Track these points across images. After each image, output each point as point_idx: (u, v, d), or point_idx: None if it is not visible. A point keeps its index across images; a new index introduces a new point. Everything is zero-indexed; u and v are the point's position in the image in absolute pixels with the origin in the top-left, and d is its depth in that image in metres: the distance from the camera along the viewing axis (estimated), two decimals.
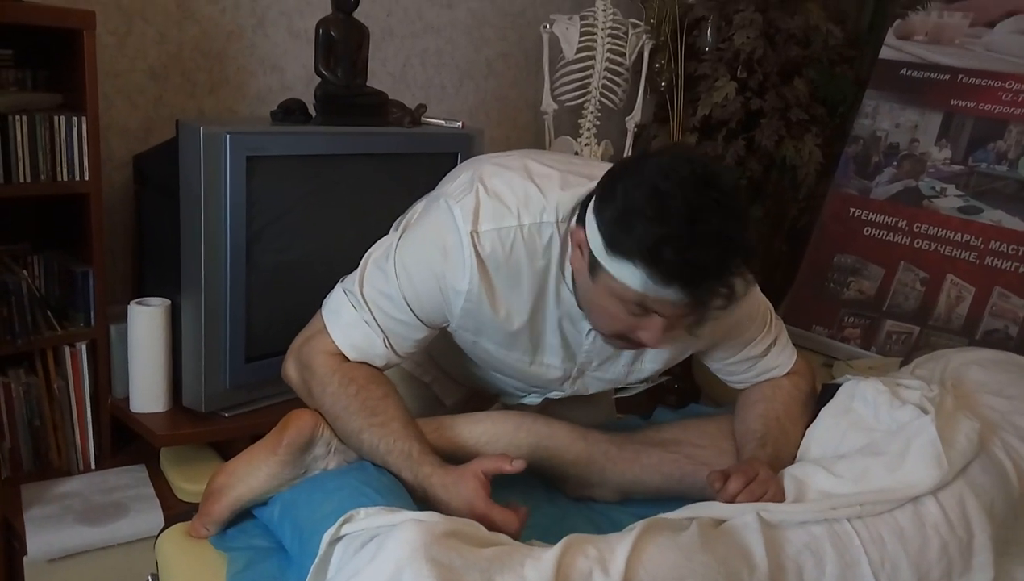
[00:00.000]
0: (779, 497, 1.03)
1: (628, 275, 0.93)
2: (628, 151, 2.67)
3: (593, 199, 0.98)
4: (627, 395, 2.31)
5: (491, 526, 0.95)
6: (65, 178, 1.61)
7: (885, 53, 2.64)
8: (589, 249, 0.97)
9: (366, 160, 1.84)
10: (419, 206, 1.18)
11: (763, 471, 1.05)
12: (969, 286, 2.38)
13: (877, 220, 2.57)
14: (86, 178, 1.62)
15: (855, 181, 2.62)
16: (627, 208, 0.91)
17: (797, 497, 1.02)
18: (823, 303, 2.57)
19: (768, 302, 1.26)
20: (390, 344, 1.10)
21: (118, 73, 1.88)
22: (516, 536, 0.96)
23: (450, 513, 0.97)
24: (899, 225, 2.52)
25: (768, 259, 3.01)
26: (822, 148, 2.74)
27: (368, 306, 1.10)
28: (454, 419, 1.16)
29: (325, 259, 1.78)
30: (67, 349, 1.69)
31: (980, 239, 2.40)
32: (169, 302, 1.74)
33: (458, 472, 1.01)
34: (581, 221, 1.00)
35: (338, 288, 1.16)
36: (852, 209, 2.61)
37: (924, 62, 2.59)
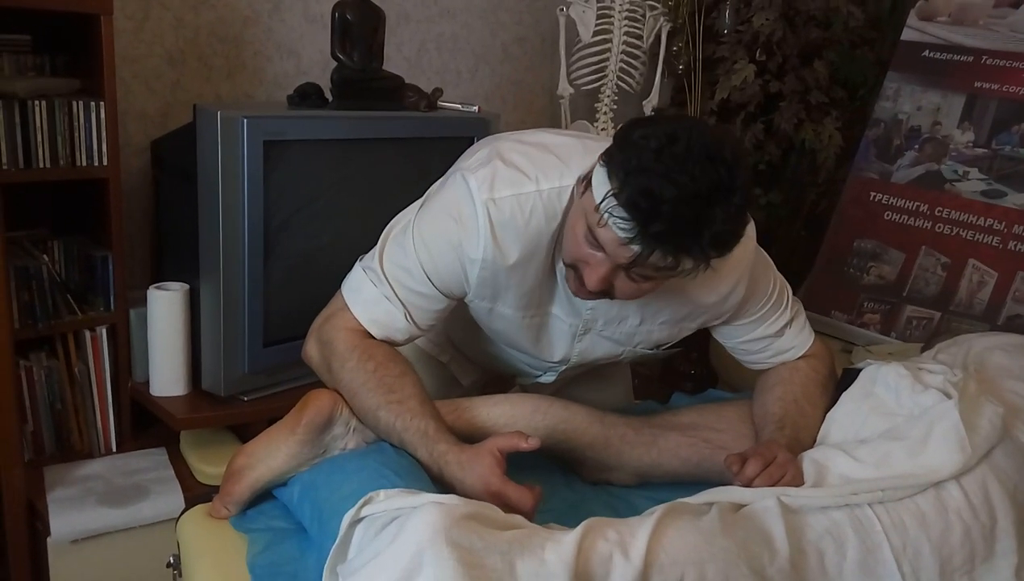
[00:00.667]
0: (798, 480, 1.02)
1: (599, 183, 0.93)
2: None
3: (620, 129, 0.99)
4: (644, 370, 2.28)
5: (506, 503, 0.96)
6: (84, 163, 1.61)
7: (907, 35, 2.59)
8: (590, 175, 0.97)
9: (382, 144, 1.84)
10: (437, 183, 1.18)
11: (781, 454, 1.04)
12: (991, 271, 2.35)
13: (898, 204, 2.53)
14: (104, 163, 1.63)
15: (876, 165, 2.59)
16: (639, 136, 0.91)
17: (817, 482, 1.01)
18: (842, 288, 2.55)
19: (785, 282, 1.25)
20: (411, 318, 1.11)
21: (135, 58, 1.89)
22: (530, 515, 0.96)
23: (464, 491, 0.98)
24: (920, 209, 2.49)
25: (787, 244, 2.98)
26: (842, 131, 2.70)
27: (388, 281, 1.10)
28: (472, 401, 1.16)
29: (343, 242, 1.78)
30: (87, 333, 1.71)
31: (1003, 223, 2.36)
32: (188, 287, 1.74)
33: (473, 450, 1.02)
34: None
35: (357, 266, 1.16)
36: (873, 193, 2.57)
37: (947, 43, 2.54)
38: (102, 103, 1.60)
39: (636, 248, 0.91)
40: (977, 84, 2.45)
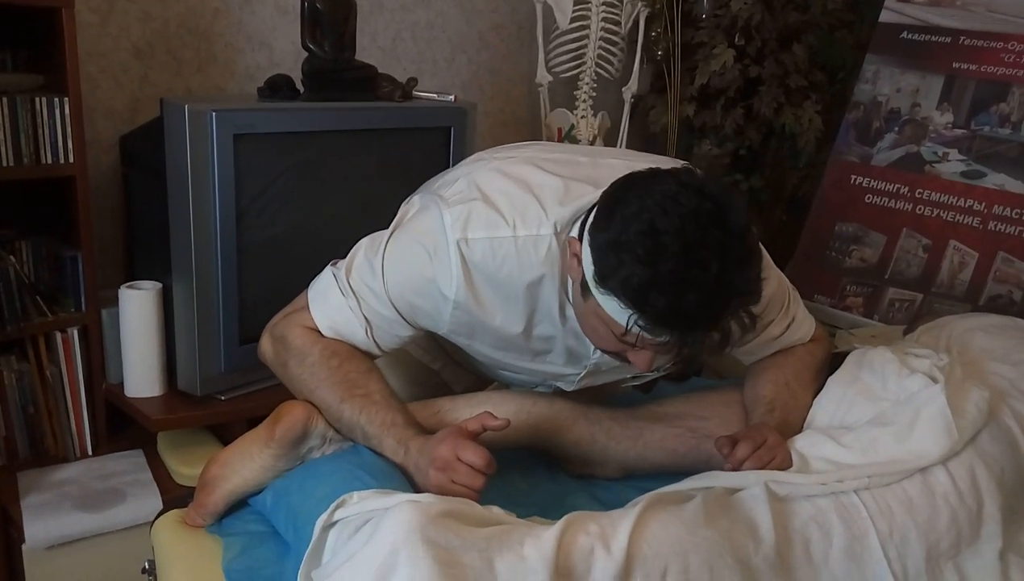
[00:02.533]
0: (787, 463, 1.01)
1: (615, 310, 0.89)
2: (625, 122, 2.63)
3: (592, 215, 0.93)
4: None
5: (461, 457, 0.93)
6: (49, 161, 1.57)
7: (885, 16, 2.58)
8: (581, 267, 0.93)
9: (356, 135, 1.81)
10: (415, 200, 1.14)
11: (771, 436, 1.03)
12: (972, 252, 2.35)
13: (879, 187, 2.53)
14: (71, 160, 1.59)
15: (856, 148, 2.59)
16: (619, 241, 0.86)
17: (802, 467, 1.00)
18: (825, 272, 2.55)
19: (784, 278, 1.21)
20: (372, 335, 1.08)
21: (102, 53, 1.84)
22: (484, 471, 0.93)
23: (423, 468, 0.95)
24: (901, 192, 2.49)
25: (769, 228, 2.98)
26: (822, 115, 2.70)
27: (355, 295, 1.08)
28: (454, 401, 1.14)
29: (318, 237, 1.75)
30: (59, 335, 1.67)
31: (983, 204, 2.37)
32: (160, 285, 1.71)
33: (436, 436, 0.99)
34: (580, 235, 0.95)
35: (327, 270, 1.13)
36: (853, 176, 2.57)
37: (925, 25, 2.54)
38: (66, 99, 1.56)
39: (674, 348, 0.90)
40: (955, 65, 2.45)
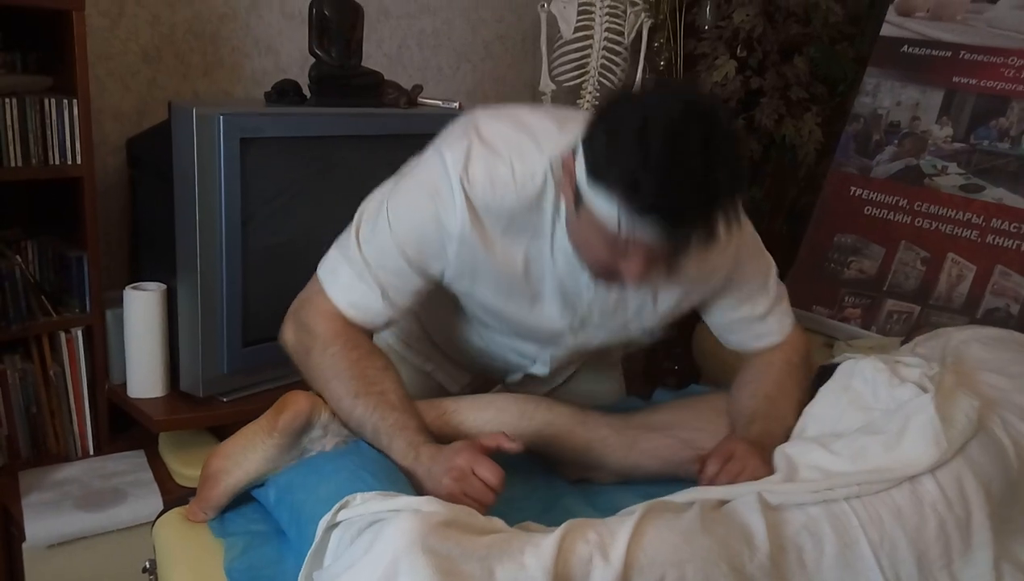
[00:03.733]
0: (759, 472, 1.02)
1: (606, 208, 0.91)
2: None
3: (587, 124, 0.96)
4: (631, 350, 2.29)
5: (476, 470, 0.95)
6: (57, 162, 1.59)
7: (886, 30, 2.61)
8: (575, 179, 0.95)
9: (361, 141, 1.82)
10: (412, 161, 1.17)
11: (739, 448, 1.05)
12: (970, 265, 2.37)
13: (878, 199, 2.55)
14: (78, 162, 1.60)
15: (856, 160, 2.60)
16: (614, 135, 0.89)
17: (790, 476, 1.02)
18: (823, 283, 2.56)
19: (773, 263, 1.24)
20: (388, 298, 1.08)
21: (110, 56, 1.86)
22: (496, 489, 0.96)
23: (434, 476, 0.97)
24: (900, 204, 2.50)
25: (768, 239, 2.99)
26: (822, 127, 2.72)
27: (364, 261, 1.08)
28: (458, 403, 1.15)
29: (322, 241, 1.75)
30: (63, 335, 1.68)
31: (981, 217, 2.38)
32: (165, 287, 1.72)
33: (453, 447, 1.00)
34: (574, 152, 0.97)
35: (333, 249, 1.15)
36: (853, 188, 2.59)
37: (925, 39, 2.56)
38: (75, 101, 1.58)
39: (670, 244, 0.92)
40: (955, 79, 2.47)
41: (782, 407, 1.16)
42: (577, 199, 0.96)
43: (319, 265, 1.15)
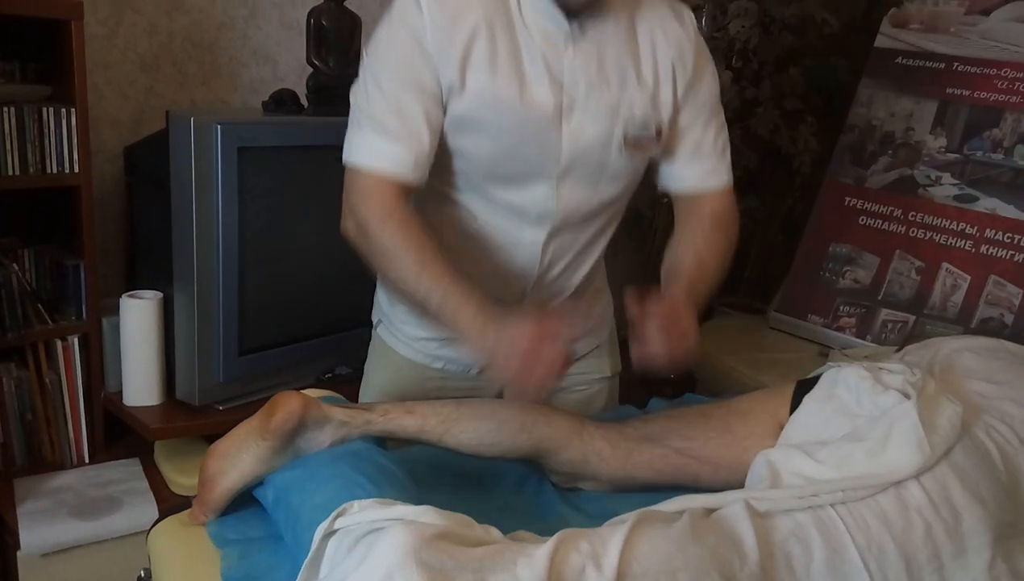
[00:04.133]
0: (691, 335, 1.07)
1: None
2: None
3: None
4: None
5: (538, 353, 0.97)
6: (55, 170, 1.59)
7: (880, 42, 2.62)
8: None
9: None
10: None
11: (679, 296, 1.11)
12: (964, 274, 2.38)
13: (872, 209, 2.56)
14: (76, 170, 1.61)
15: (851, 170, 2.62)
16: None
17: (774, 482, 1.02)
18: (819, 293, 2.57)
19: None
20: (407, 135, 1.09)
21: (108, 64, 1.86)
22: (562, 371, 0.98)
23: (505, 358, 0.99)
24: (894, 214, 2.52)
25: (764, 248, 3.01)
26: (818, 137, 2.73)
27: (372, 117, 1.10)
28: (460, 411, 1.15)
29: (318, 250, 1.77)
30: (59, 343, 1.68)
31: (975, 227, 2.40)
32: (161, 295, 1.73)
33: (519, 327, 1.00)
34: None
35: (347, 133, 1.15)
36: (848, 198, 2.60)
37: (919, 50, 2.58)
38: (73, 109, 1.58)
39: None
40: (949, 90, 2.49)
41: (710, 267, 1.23)
42: None
43: (343, 155, 1.15)
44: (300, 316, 1.80)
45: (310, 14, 1.79)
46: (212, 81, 2.03)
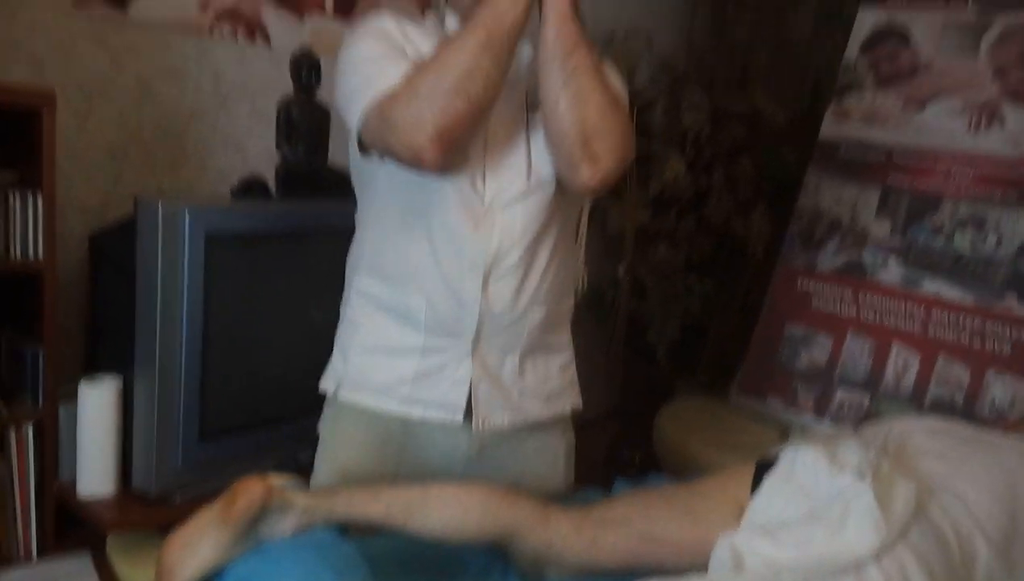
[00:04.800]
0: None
1: None
2: (584, 226, 2.73)
3: None
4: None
5: None
6: (19, 256, 1.59)
7: (825, 133, 2.77)
8: None
9: (326, 236, 1.85)
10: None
11: None
12: (914, 355, 2.46)
13: (824, 292, 2.65)
14: (40, 257, 1.60)
15: (801, 254, 2.72)
16: None
17: (737, 564, 1.03)
18: (777, 374, 2.62)
19: None
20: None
21: (77, 151, 1.88)
22: None
23: None
24: (845, 296, 2.61)
25: (722, 330, 3.07)
26: (769, 223, 2.84)
27: (375, 63, 1.13)
28: (426, 495, 1.14)
29: (284, 336, 1.77)
30: (12, 431, 1.64)
31: (922, 309, 2.49)
32: (121, 380, 1.70)
33: None
34: None
35: (351, 107, 1.15)
36: (800, 281, 2.69)
37: (861, 141, 2.73)
38: (39, 195, 1.59)
39: None
40: (890, 179, 2.63)
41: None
42: None
43: (358, 118, 1.14)
44: (262, 401, 1.79)
45: (280, 105, 1.84)
46: (181, 168, 2.06)
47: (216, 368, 1.69)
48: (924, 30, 2.65)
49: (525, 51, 1.22)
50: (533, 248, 1.24)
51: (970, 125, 2.54)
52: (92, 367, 1.82)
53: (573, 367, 1.41)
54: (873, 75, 2.72)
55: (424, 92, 1.05)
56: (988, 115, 2.51)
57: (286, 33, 2.16)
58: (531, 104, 1.21)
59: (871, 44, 2.74)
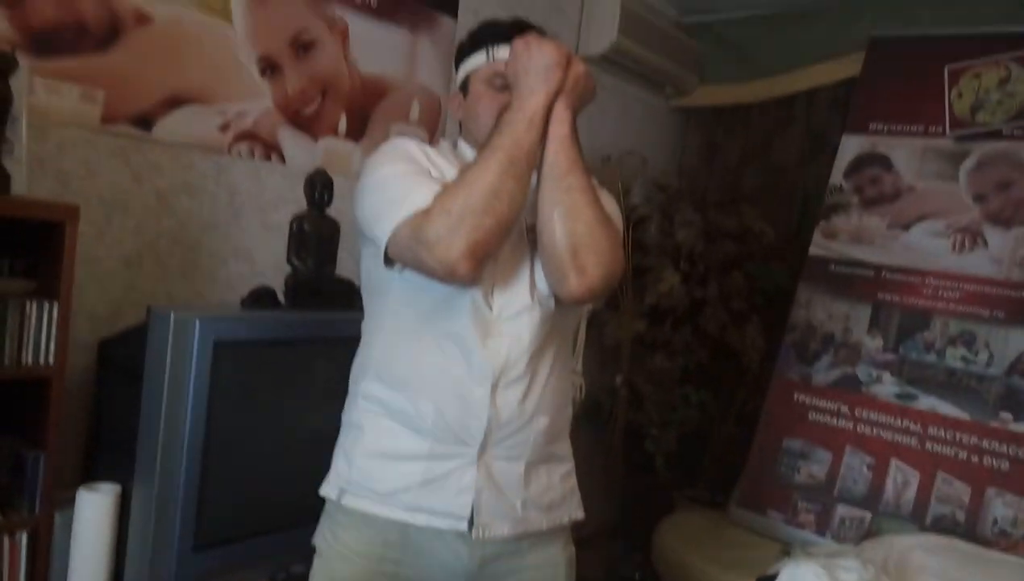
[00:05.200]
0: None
1: (476, 58, 1.31)
2: (582, 336, 2.78)
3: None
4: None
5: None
6: (29, 363, 1.61)
7: (814, 250, 2.87)
8: (459, 92, 1.36)
9: (333, 345, 1.89)
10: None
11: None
12: (913, 471, 2.45)
13: (820, 405, 2.67)
14: (50, 363, 1.62)
15: (796, 367, 2.75)
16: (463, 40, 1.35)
17: None
18: (776, 487, 2.61)
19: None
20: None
21: (93, 260, 1.94)
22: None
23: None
24: (841, 410, 2.63)
25: (721, 442, 3.07)
26: (764, 335, 2.89)
27: (406, 195, 1.19)
28: None
29: (285, 445, 1.78)
30: (6, 539, 1.62)
31: (919, 424, 2.51)
32: (120, 488, 1.69)
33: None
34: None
35: (380, 225, 1.21)
36: (796, 394, 2.71)
37: (850, 259, 2.82)
38: (56, 304, 1.63)
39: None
40: (880, 295, 2.70)
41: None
42: (463, 89, 1.34)
43: (383, 237, 1.20)
44: (258, 511, 1.77)
45: (293, 220, 1.92)
46: (191, 276, 2.12)
47: (216, 478, 1.68)
48: (905, 156, 2.79)
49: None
50: (536, 358, 1.29)
51: (954, 246, 2.64)
52: (90, 474, 1.81)
53: (574, 476, 1.42)
54: (858, 198, 2.84)
55: (456, 211, 1.14)
56: (971, 237, 2.61)
57: (300, 153, 2.27)
58: (531, 224, 1.28)
59: (855, 168, 2.88)
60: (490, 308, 1.26)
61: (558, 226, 1.19)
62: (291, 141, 2.26)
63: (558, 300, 1.27)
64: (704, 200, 3.25)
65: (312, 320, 1.86)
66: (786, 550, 2.30)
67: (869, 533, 2.33)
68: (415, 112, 2.58)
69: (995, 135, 2.62)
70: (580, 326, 2.76)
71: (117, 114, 1.92)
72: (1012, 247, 2.52)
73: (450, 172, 1.26)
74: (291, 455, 1.77)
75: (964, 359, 2.48)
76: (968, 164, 2.66)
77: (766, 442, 2.67)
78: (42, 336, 1.62)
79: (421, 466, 1.27)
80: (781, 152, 3.35)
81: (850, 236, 2.80)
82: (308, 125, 2.29)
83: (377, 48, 2.43)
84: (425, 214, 1.15)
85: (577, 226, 1.19)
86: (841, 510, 2.49)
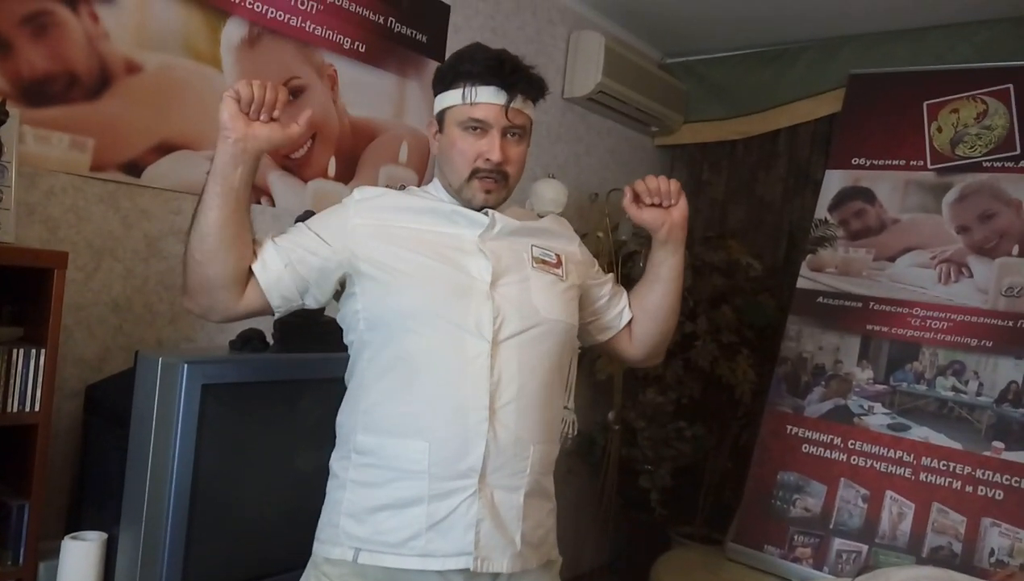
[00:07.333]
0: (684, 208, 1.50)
1: (453, 99, 1.31)
2: (573, 372, 2.78)
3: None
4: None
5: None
6: (15, 410, 1.60)
7: (801, 283, 2.89)
8: (434, 123, 1.37)
9: (323, 387, 1.88)
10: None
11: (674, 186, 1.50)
12: (908, 502, 2.45)
13: (813, 437, 2.67)
14: (36, 410, 1.61)
15: (788, 399, 2.75)
16: (445, 64, 1.36)
17: None
18: (772, 521, 2.59)
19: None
20: (291, 263, 1.35)
21: (81, 306, 1.94)
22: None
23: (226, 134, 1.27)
24: (834, 442, 2.62)
25: (715, 476, 3.05)
26: (755, 368, 2.90)
27: (279, 243, 1.38)
28: None
29: (272, 490, 1.76)
30: None
31: (912, 455, 2.50)
32: (106, 536, 1.67)
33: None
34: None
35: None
36: (789, 426, 2.71)
37: (838, 291, 2.84)
38: (43, 351, 1.62)
39: (505, 97, 1.29)
40: (869, 327, 2.71)
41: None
42: (440, 128, 1.35)
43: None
44: (244, 557, 1.75)
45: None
46: (179, 320, 2.12)
47: (203, 524, 1.66)
48: (888, 189, 2.83)
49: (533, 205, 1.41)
50: (531, 381, 1.31)
51: (940, 277, 2.66)
52: (76, 521, 1.78)
53: (555, 516, 1.43)
54: (844, 230, 2.88)
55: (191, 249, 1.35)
56: (956, 268, 2.64)
57: (290, 195, 2.29)
58: (537, 256, 1.39)
59: (839, 202, 2.92)
60: (481, 332, 1.28)
61: (670, 319, 1.57)
62: (281, 184, 2.28)
63: (619, 357, 1.61)
64: (691, 235, 3.28)
65: (301, 362, 1.85)
66: None
67: (866, 566, 2.31)
68: (404, 154, 2.61)
69: (975, 167, 2.66)
70: (572, 362, 2.76)
71: (107, 161, 1.93)
72: (997, 277, 2.54)
73: (416, 222, 1.34)
74: (280, 500, 1.75)
75: (954, 389, 2.49)
76: (950, 196, 2.70)
77: (760, 476, 2.66)
78: (28, 383, 1.61)
79: (423, 509, 1.27)
80: (766, 187, 3.39)
81: (837, 269, 2.83)
82: (298, 168, 2.31)
83: (366, 92, 2.46)
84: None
85: (674, 322, 1.59)
86: (838, 543, 2.47)
